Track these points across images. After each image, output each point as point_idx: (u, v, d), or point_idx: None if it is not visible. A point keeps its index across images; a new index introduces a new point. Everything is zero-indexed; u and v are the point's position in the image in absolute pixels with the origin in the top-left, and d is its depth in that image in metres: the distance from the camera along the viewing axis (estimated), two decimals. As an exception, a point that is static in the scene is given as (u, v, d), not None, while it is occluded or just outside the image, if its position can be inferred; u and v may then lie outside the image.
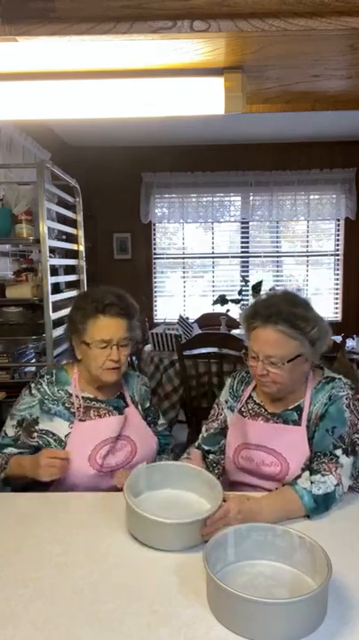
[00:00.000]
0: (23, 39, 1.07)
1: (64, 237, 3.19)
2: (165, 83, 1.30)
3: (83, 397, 1.47)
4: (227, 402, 1.53)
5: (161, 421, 1.65)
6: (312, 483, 1.21)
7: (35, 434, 1.45)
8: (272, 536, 0.99)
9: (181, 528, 1.05)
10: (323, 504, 1.18)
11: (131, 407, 1.53)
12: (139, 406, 1.56)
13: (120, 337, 1.41)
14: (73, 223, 3.25)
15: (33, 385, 1.48)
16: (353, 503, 1.26)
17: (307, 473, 1.25)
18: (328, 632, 0.82)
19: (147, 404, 1.60)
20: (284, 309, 1.31)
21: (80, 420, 1.43)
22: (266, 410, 1.43)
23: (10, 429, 1.47)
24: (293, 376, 1.33)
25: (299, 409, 1.38)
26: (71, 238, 3.25)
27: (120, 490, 1.21)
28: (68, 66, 1.25)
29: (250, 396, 1.48)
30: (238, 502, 1.10)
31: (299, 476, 1.25)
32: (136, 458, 1.45)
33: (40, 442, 1.44)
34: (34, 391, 1.47)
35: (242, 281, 5.13)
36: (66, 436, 1.42)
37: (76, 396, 1.46)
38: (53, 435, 1.43)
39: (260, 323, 1.32)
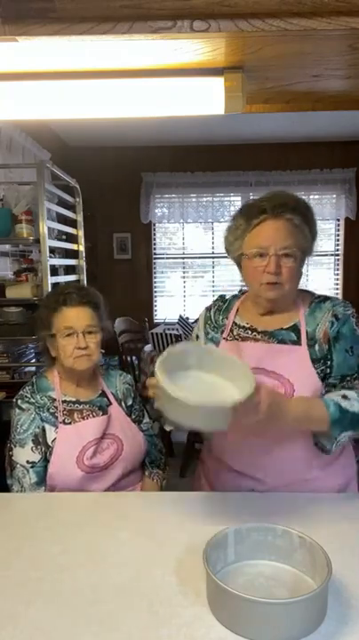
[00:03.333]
0: (23, 39, 1.07)
1: (64, 237, 3.19)
2: (165, 83, 1.29)
3: (65, 401, 1.47)
4: (207, 334, 1.40)
5: (145, 420, 1.64)
6: (345, 397, 1.15)
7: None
8: (272, 536, 0.99)
9: (210, 410, 1.00)
10: (351, 420, 1.13)
11: (114, 405, 1.53)
12: (123, 403, 1.57)
13: (84, 324, 1.44)
14: (73, 223, 3.25)
15: (20, 402, 1.46)
16: (353, 504, 1.26)
17: (338, 390, 1.19)
18: (328, 632, 0.82)
19: (130, 402, 1.60)
20: (291, 199, 1.26)
21: (64, 424, 1.43)
22: (255, 330, 1.32)
23: (32, 454, 1.41)
24: (299, 276, 1.27)
25: (295, 329, 1.29)
26: (71, 238, 3.25)
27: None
28: (68, 66, 1.25)
29: (233, 323, 1.37)
30: (270, 395, 1.05)
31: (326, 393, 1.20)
32: (122, 455, 1.46)
33: None
34: (24, 406, 1.45)
35: (242, 281, 5.13)
36: (52, 441, 1.41)
37: (60, 401, 1.47)
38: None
39: (270, 214, 1.23)
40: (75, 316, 1.45)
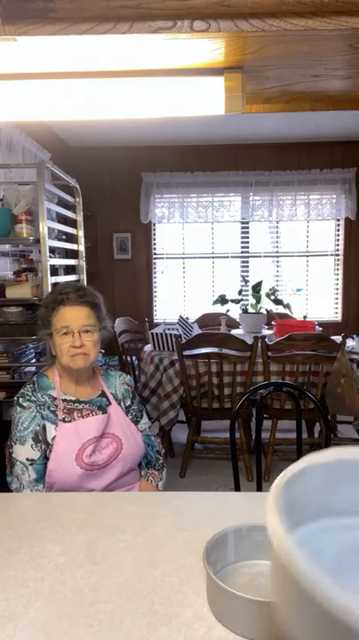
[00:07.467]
0: (23, 39, 1.07)
1: (64, 237, 3.19)
2: (165, 83, 1.29)
3: (65, 400, 1.49)
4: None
5: (143, 420, 1.66)
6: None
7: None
8: (272, 536, 0.99)
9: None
10: None
11: (114, 405, 1.56)
12: (122, 403, 1.59)
13: (81, 323, 1.47)
14: (73, 223, 3.26)
15: (21, 400, 1.47)
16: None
17: None
18: (328, 632, 0.82)
19: (129, 403, 1.63)
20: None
21: (64, 422, 1.45)
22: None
23: (32, 452, 1.42)
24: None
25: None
26: (71, 238, 3.25)
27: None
28: (68, 66, 1.25)
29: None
30: None
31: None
32: (121, 454, 1.47)
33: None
34: (25, 404, 1.46)
35: (242, 281, 5.13)
36: (52, 438, 1.43)
37: (60, 399, 1.48)
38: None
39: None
40: (71, 316, 1.47)
